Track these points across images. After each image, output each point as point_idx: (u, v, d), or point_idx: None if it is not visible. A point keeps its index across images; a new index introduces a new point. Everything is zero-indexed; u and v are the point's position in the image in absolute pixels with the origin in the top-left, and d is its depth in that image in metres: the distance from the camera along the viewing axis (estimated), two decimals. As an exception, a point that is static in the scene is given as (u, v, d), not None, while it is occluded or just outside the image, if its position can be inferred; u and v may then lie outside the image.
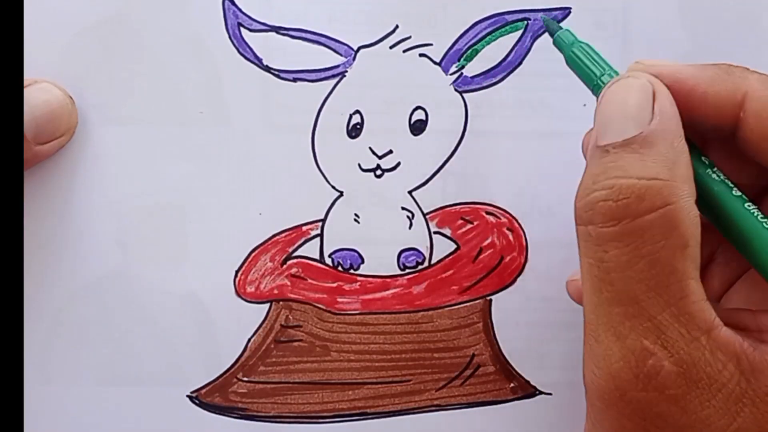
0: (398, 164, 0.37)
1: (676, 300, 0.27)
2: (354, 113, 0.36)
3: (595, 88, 0.31)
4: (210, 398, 0.37)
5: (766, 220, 0.28)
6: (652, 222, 0.27)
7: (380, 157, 0.37)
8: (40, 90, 0.35)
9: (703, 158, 0.29)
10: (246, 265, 0.36)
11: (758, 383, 0.27)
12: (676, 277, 0.27)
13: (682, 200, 0.27)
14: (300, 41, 0.36)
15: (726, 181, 0.29)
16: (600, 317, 0.28)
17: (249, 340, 0.37)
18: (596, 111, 0.29)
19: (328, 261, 0.37)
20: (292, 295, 0.37)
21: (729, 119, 0.29)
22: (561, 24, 0.36)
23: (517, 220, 0.37)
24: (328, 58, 0.36)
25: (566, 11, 0.37)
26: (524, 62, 0.37)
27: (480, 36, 0.37)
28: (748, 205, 0.29)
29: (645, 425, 0.28)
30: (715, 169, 0.29)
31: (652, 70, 0.29)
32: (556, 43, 0.33)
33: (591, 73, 0.31)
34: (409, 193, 0.37)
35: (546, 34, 0.36)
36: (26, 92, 0.34)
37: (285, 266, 0.37)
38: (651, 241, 0.27)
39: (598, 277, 0.28)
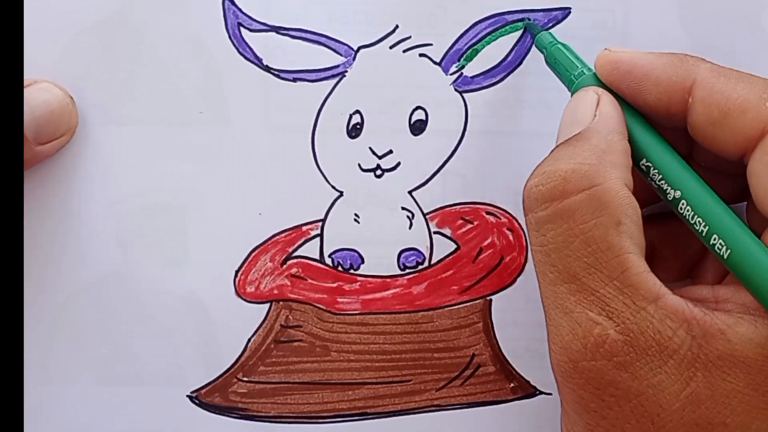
0: (398, 164, 0.37)
1: (618, 274, 0.28)
2: (354, 113, 0.36)
3: (570, 83, 0.33)
4: (210, 398, 0.37)
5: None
6: (581, 202, 0.29)
7: (380, 157, 0.37)
8: (41, 90, 0.35)
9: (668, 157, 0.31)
10: (246, 265, 0.36)
11: (710, 347, 0.28)
12: (613, 253, 0.28)
13: (609, 181, 0.29)
14: (300, 41, 0.36)
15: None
16: (548, 298, 0.30)
17: (249, 340, 0.37)
18: None
19: (328, 261, 0.37)
20: (292, 295, 0.37)
21: (679, 105, 0.31)
22: (559, 23, 0.36)
23: (517, 220, 0.37)
24: (328, 58, 0.36)
25: (566, 11, 0.37)
26: (524, 62, 0.37)
27: (480, 36, 0.37)
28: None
29: (600, 394, 0.29)
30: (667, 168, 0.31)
31: (614, 56, 0.32)
32: (537, 44, 0.35)
33: (565, 71, 0.34)
34: (409, 193, 0.37)
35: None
36: (26, 92, 0.34)
37: (285, 266, 0.37)
38: (582, 221, 0.29)
39: (542, 260, 0.30)
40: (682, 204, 0.30)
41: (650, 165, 0.31)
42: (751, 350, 0.28)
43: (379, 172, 0.37)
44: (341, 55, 0.36)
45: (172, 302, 0.36)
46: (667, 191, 0.30)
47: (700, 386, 0.28)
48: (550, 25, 0.37)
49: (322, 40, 0.36)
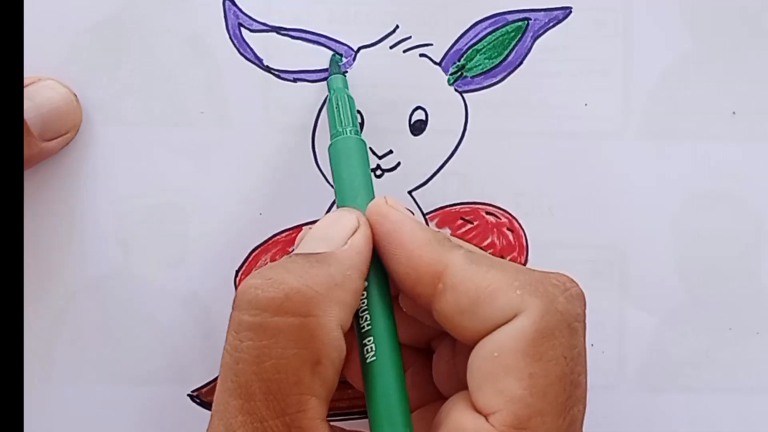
0: (398, 164, 0.37)
1: (292, 411, 0.27)
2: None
3: (333, 135, 0.33)
4: (211, 397, 0.37)
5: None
6: (290, 326, 0.27)
7: (380, 157, 0.37)
8: (45, 87, 0.35)
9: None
10: (246, 265, 0.37)
11: None
12: (298, 389, 0.27)
13: (326, 317, 0.28)
14: (300, 41, 0.36)
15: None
16: (218, 404, 0.28)
17: (249, 339, 0.37)
18: None
19: (329, 261, 0.37)
20: (293, 295, 0.37)
21: (427, 287, 0.30)
22: (560, 22, 0.36)
23: (517, 220, 0.37)
24: (328, 58, 0.36)
25: (567, 11, 0.37)
26: (524, 62, 0.37)
27: (480, 36, 0.36)
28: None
29: None
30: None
31: (384, 210, 0.31)
32: (328, 83, 0.35)
33: (336, 122, 0.33)
34: (409, 193, 0.37)
35: (546, 34, 0.37)
36: (32, 89, 0.34)
37: (285, 266, 0.37)
38: (283, 346, 0.27)
39: (229, 364, 0.28)
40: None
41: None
42: None
43: (379, 172, 0.37)
44: (341, 55, 0.36)
45: (172, 302, 0.36)
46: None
47: None
48: (551, 24, 0.37)
49: (322, 40, 0.36)
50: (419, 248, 0.30)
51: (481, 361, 0.28)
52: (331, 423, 0.29)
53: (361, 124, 0.36)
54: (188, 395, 0.37)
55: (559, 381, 0.28)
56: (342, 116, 0.33)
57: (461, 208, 0.37)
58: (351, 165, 0.32)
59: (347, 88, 0.35)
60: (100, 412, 0.37)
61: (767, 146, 0.37)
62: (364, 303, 0.30)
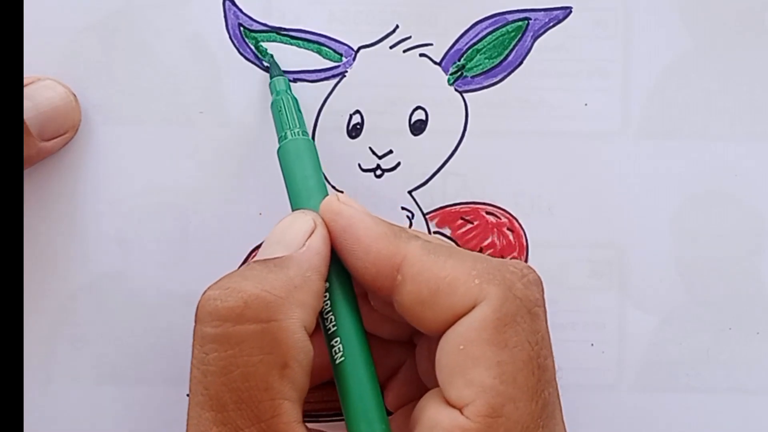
0: (398, 164, 0.37)
1: (267, 417, 0.27)
2: (354, 113, 0.36)
3: (281, 138, 0.33)
4: (211, 397, 0.37)
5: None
6: (253, 334, 0.27)
7: (380, 157, 0.37)
8: (45, 87, 0.35)
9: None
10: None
11: None
12: (269, 395, 0.27)
13: (288, 320, 0.28)
14: (300, 41, 0.36)
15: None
16: (192, 418, 0.28)
17: (249, 339, 0.37)
18: None
19: (329, 261, 0.37)
20: (293, 295, 0.37)
21: (386, 280, 0.29)
22: (560, 22, 0.36)
23: (517, 220, 0.37)
24: (328, 59, 0.36)
25: (567, 10, 0.37)
26: (524, 62, 0.37)
27: (480, 36, 0.36)
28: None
29: None
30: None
31: (337, 207, 0.30)
32: (270, 86, 0.35)
33: (283, 123, 0.33)
34: (409, 193, 0.37)
35: (546, 34, 0.37)
36: (31, 89, 0.34)
37: (285, 266, 0.37)
38: (249, 353, 0.27)
39: (197, 378, 0.28)
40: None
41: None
42: None
43: (379, 172, 0.37)
44: (341, 55, 0.36)
45: (172, 302, 0.36)
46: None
47: None
48: (551, 24, 0.37)
49: (322, 40, 0.36)
50: (375, 242, 0.30)
51: (448, 355, 0.28)
52: (309, 425, 0.29)
53: (361, 124, 0.37)
54: (188, 395, 0.37)
55: (526, 366, 0.28)
56: (288, 118, 0.33)
57: (461, 208, 0.37)
58: (303, 167, 0.32)
59: (290, 89, 0.35)
60: (100, 413, 0.37)
61: (767, 146, 0.37)
62: (327, 304, 0.30)
